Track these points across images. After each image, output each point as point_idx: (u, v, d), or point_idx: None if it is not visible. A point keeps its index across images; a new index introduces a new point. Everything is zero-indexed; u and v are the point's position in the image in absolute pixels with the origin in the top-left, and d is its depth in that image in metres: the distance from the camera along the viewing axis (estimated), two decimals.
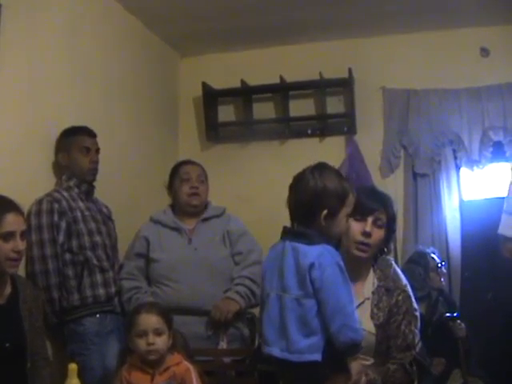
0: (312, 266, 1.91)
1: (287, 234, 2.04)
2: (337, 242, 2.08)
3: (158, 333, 2.29)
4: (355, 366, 1.91)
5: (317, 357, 1.90)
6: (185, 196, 3.19)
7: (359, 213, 2.18)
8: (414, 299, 2.29)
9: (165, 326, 2.31)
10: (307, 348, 1.90)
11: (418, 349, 2.31)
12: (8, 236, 2.21)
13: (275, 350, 1.95)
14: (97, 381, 2.70)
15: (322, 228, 1.97)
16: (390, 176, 4.31)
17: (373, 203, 2.24)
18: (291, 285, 1.95)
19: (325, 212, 1.95)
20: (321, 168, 2.02)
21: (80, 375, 1.97)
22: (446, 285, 3.95)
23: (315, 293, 1.91)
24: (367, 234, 2.20)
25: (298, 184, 2.01)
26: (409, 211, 4.22)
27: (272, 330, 1.97)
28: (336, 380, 1.93)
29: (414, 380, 2.28)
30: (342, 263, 1.95)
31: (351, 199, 2.01)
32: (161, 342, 2.28)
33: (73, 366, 1.89)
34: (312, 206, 1.96)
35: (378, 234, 2.23)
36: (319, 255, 1.93)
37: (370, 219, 2.21)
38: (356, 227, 2.20)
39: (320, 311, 1.91)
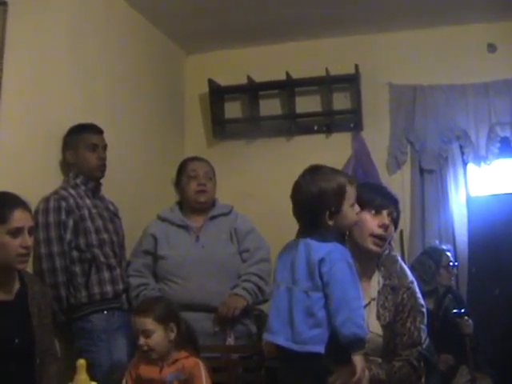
0: (322, 260, 1.95)
1: (301, 232, 2.07)
2: (343, 240, 2.09)
3: (146, 334, 2.30)
4: (359, 361, 1.91)
5: (320, 348, 1.92)
6: (192, 193, 3.19)
7: (374, 207, 2.20)
8: (419, 295, 2.29)
9: (156, 324, 2.31)
10: (311, 339, 1.93)
11: (425, 345, 2.31)
12: (16, 232, 2.23)
13: (280, 339, 1.98)
14: (105, 377, 2.71)
15: (330, 227, 2.01)
16: (397, 172, 4.30)
17: (385, 198, 2.26)
18: (301, 278, 1.98)
19: (327, 213, 1.99)
20: (312, 171, 2.05)
21: (88, 371, 1.97)
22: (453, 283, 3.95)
23: (323, 286, 1.95)
24: (385, 227, 2.21)
25: (296, 193, 2.05)
26: (416, 207, 4.21)
27: (278, 320, 2.00)
28: (340, 374, 1.95)
29: (422, 376, 2.28)
30: (351, 261, 1.98)
31: (350, 191, 2.03)
32: (152, 342, 2.29)
33: (81, 362, 1.89)
34: (314, 210, 2.00)
35: (391, 228, 2.25)
36: (329, 251, 1.96)
37: (385, 212, 2.22)
38: (373, 221, 2.20)
39: (326, 305, 1.94)
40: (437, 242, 3.95)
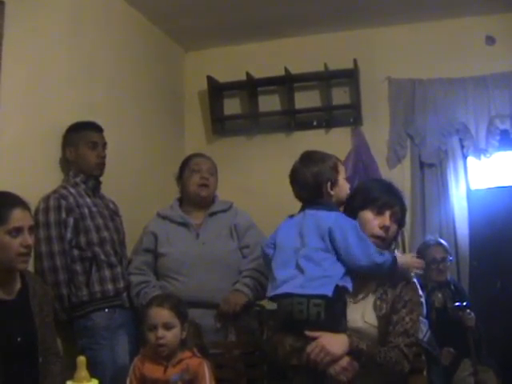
0: (331, 229, 2.14)
1: (306, 205, 2.25)
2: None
3: (167, 327, 2.29)
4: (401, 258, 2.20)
5: (328, 291, 2.07)
6: (194, 186, 3.17)
7: (378, 206, 2.22)
8: (419, 288, 2.30)
9: (176, 319, 2.31)
10: (320, 285, 2.08)
11: (426, 338, 2.30)
12: (16, 231, 2.22)
13: (288, 288, 2.11)
14: (107, 375, 2.72)
15: (331, 197, 2.24)
16: (397, 166, 4.30)
17: (391, 198, 2.28)
18: (311, 240, 2.16)
19: (329, 184, 2.23)
20: (306, 156, 2.33)
21: (90, 369, 1.97)
22: (454, 274, 3.94)
23: (336, 251, 2.13)
24: (387, 229, 2.23)
25: (297, 176, 2.30)
26: (416, 201, 4.21)
27: (285, 273, 2.15)
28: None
29: (423, 369, 2.28)
30: (356, 223, 2.19)
31: (341, 166, 2.32)
32: (171, 336, 2.28)
33: (81, 359, 1.88)
34: (316, 184, 2.23)
35: (393, 229, 2.27)
36: (336, 219, 2.17)
37: (388, 213, 2.24)
38: (375, 221, 2.23)
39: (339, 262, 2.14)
40: (429, 237, 3.92)
